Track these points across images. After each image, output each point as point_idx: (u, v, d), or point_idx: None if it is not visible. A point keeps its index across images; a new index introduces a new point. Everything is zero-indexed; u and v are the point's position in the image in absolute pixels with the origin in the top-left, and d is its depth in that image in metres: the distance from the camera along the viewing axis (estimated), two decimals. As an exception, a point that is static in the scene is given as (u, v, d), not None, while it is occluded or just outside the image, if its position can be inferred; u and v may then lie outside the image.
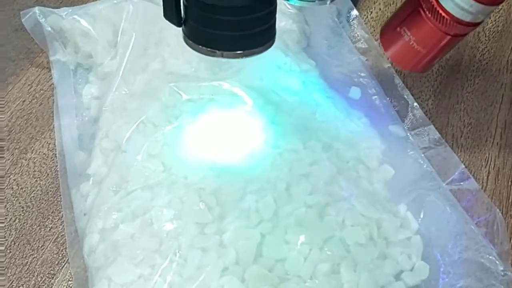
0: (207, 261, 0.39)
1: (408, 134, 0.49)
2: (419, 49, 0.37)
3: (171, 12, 0.36)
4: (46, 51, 0.54)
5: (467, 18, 0.35)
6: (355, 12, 0.58)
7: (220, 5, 0.34)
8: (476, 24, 0.36)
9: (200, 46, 0.36)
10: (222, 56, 0.36)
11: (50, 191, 0.47)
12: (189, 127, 0.46)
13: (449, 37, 0.36)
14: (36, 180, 0.47)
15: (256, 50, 0.37)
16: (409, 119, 0.50)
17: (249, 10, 0.34)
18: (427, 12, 0.35)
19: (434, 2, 0.35)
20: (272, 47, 0.52)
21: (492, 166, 0.48)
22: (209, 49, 0.36)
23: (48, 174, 0.48)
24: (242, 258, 0.39)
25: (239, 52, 0.36)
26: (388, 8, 0.60)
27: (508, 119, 0.51)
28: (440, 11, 0.35)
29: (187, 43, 0.37)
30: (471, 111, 0.52)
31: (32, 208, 0.46)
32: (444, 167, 0.47)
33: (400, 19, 0.38)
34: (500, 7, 0.59)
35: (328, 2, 0.38)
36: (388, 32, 0.39)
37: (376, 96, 0.51)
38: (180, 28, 0.37)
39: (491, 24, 0.58)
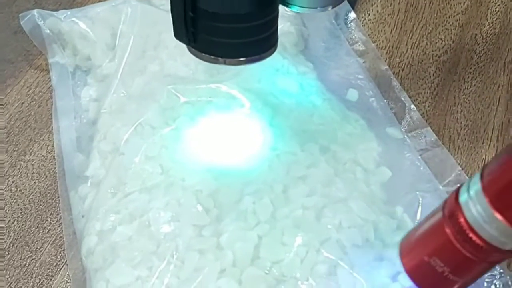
0: (205, 263, 0.39)
1: (405, 136, 0.49)
2: (455, 279, 0.31)
3: (181, 32, 0.36)
4: (44, 53, 0.55)
5: (507, 246, 0.29)
6: (352, 15, 0.58)
7: (222, 13, 0.34)
8: None
9: (203, 54, 0.36)
10: (225, 63, 0.36)
11: (49, 193, 0.47)
12: (187, 130, 0.46)
13: (487, 264, 0.31)
14: (35, 182, 0.48)
15: (259, 56, 0.37)
16: (406, 121, 0.50)
17: (252, 17, 0.34)
18: (461, 242, 0.29)
19: (468, 231, 0.29)
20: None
21: (489, 168, 0.48)
22: (212, 56, 0.36)
23: (46, 176, 0.48)
24: (239, 260, 0.39)
25: (242, 59, 0.36)
26: (386, 10, 0.60)
27: (505, 121, 0.51)
28: (476, 240, 0.29)
29: (190, 51, 0.37)
30: (468, 113, 0.52)
31: (30, 210, 0.46)
32: (441, 169, 0.47)
33: (427, 247, 0.32)
34: (497, 9, 0.59)
35: (329, 8, 0.38)
36: (414, 260, 0.33)
37: (373, 98, 0.52)
38: None
39: (488, 26, 0.58)
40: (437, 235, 0.31)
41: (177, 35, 0.36)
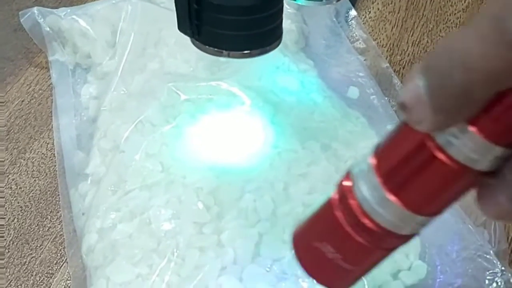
0: (205, 261, 0.39)
1: (406, 133, 0.49)
2: (348, 267, 0.27)
3: (185, 24, 0.35)
4: (44, 51, 0.54)
5: (408, 231, 0.25)
6: (353, 12, 0.58)
7: (227, 5, 0.34)
8: (413, 235, 0.26)
9: (207, 47, 0.36)
10: (229, 56, 0.36)
11: (49, 190, 0.47)
12: (187, 127, 0.46)
13: (383, 251, 0.27)
14: (35, 180, 0.48)
15: (263, 49, 0.37)
16: (407, 118, 0.50)
17: (256, 10, 0.34)
18: (353, 226, 0.25)
19: (359, 214, 0.25)
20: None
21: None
22: (216, 49, 0.36)
23: (46, 174, 0.48)
24: (240, 258, 0.39)
25: (246, 52, 0.36)
26: (386, 8, 0.60)
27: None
28: (370, 225, 0.25)
29: (194, 44, 0.37)
30: (469, 111, 0.52)
31: (30, 208, 0.46)
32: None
33: (318, 231, 0.28)
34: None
35: (334, 1, 0.37)
36: (303, 245, 0.29)
37: (374, 96, 0.51)
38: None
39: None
40: (327, 219, 0.27)
41: (181, 27, 0.36)
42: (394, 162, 0.23)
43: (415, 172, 0.22)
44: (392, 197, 0.23)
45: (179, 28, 0.36)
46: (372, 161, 0.24)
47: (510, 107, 0.19)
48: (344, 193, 0.25)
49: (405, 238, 0.25)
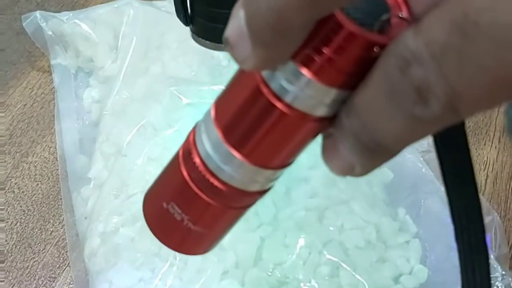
0: (207, 265, 0.39)
1: (407, 137, 0.49)
2: (197, 229, 0.25)
3: (179, 11, 0.36)
4: (47, 55, 0.55)
5: (255, 187, 0.23)
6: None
7: None
8: (266, 191, 0.24)
9: (208, 42, 0.36)
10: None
11: (51, 194, 0.47)
12: (189, 131, 0.46)
13: (234, 210, 0.24)
14: (37, 184, 0.48)
15: None
16: (408, 122, 0.50)
17: None
18: (197, 182, 0.23)
19: (204, 172, 0.22)
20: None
21: (491, 170, 0.48)
22: (216, 43, 0.36)
23: (49, 178, 0.48)
24: (242, 262, 0.39)
25: None
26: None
27: (507, 123, 0.51)
28: (214, 182, 0.23)
29: (194, 40, 0.37)
30: (470, 114, 0.52)
31: (33, 212, 0.46)
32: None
33: (164, 191, 0.26)
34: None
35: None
36: (151, 206, 0.26)
37: (375, 100, 0.51)
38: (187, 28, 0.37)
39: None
40: (173, 176, 0.24)
41: (178, 14, 0.36)
42: (231, 113, 0.21)
43: (254, 122, 0.20)
44: (234, 152, 0.21)
45: (176, 14, 0.36)
46: (212, 112, 0.22)
47: (335, 37, 0.17)
48: (188, 148, 0.23)
49: (257, 195, 0.23)
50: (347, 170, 0.20)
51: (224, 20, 0.33)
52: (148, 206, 0.26)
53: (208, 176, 0.22)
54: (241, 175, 0.22)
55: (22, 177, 0.48)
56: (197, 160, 0.22)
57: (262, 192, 0.24)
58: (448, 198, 0.21)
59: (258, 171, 0.22)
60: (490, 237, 0.42)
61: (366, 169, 0.19)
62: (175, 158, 0.24)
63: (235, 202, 0.23)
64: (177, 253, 0.40)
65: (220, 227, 0.25)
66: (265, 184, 0.23)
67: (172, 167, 0.24)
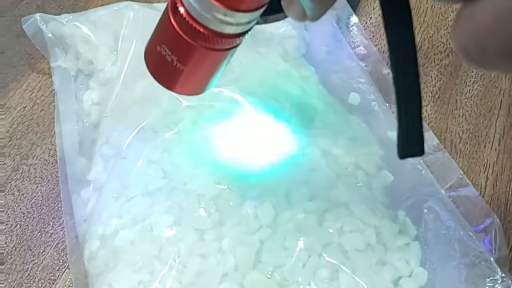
0: (207, 267, 0.39)
1: (407, 140, 0.49)
2: (184, 68, 0.30)
3: None
4: (47, 57, 0.55)
5: (230, 30, 0.28)
6: (354, 18, 0.58)
7: None
8: (243, 33, 0.29)
9: None
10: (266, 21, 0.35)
11: (51, 197, 0.47)
12: (189, 134, 0.46)
13: (215, 52, 0.29)
14: (37, 186, 0.48)
15: (276, 16, 0.36)
16: (408, 125, 0.50)
17: None
18: (182, 28, 0.28)
19: (186, 16, 0.27)
20: (272, 53, 0.52)
21: (491, 172, 0.48)
22: None
23: (49, 180, 0.48)
24: (241, 264, 0.39)
25: (269, 17, 0.36)
26: (388, 14, 0.60)
27: (507, 125, 0.51)
28: (196, 26, 0.28)
29: None
30: (470, 117, 0.52)
31: (33, 214, 0.46)
32: (443, 173, 0.47)
33: (158, 36, 0.31)
34: None
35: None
36: (149, 50, 0.32)
37: (375, 102, 0.52)
38: None
39: (490, 29, 0.58)
40: (164, 25, 0.30)
41: None
42: None
43: None
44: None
45: None
46: None
47: None
48: (175, 1, 0.28)
49: (233, 38, 0.28)
50: (301, 16, 0.28)
51: None
52: (147, 51, 0.32)
53: (191, 22, 0.27)
54: (216, 19, 0.27)
55: (22, 179, 0.48)
56: (181, 9, 0.28)
57: (237, 36, 0.28)
58: (388, 44, 0.26)
59: (231, 14, 0.26)
60: (490, 240, 0.42)
61: (314, 14, 0.28)
62: (166, 9, 0.29)
63: (215, 44, 0.28)
64: (176, 256, 0.40)
65: (204, 68, 0.30)
66: (238, 27, 0.28)
67: (163, 17, 0.30)
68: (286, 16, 0.35)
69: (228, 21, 0.27)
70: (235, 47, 0.30)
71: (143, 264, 0.40)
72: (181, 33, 0.28)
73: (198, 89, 0.32)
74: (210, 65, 0.30)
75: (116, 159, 0.45)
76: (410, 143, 0.29)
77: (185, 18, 0.28)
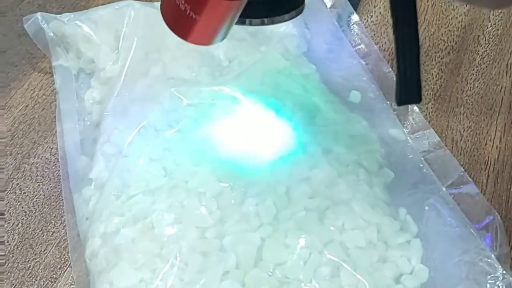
0: (208, 265, 0.39)
1: (408, 137, 0.49)
2: (197, 17, 0.31)
3: None
4: (48, 56, 0.55)
5: None
6: (355, 16, 0.58)
7: None
8: None
9: None
10: (251, 24, 0.36)
11: (53, 195, 0.47)
12: (190, 132, 0.46)
13: (227, 1, 0.31)
14: (39, 185, 0.48)
15: (281, 17, 0.36)
16: (409, 122, 0.50)
17: None
18: None
19: None
20: (273, 51, 0.52)
21: (492, 170, 0.48)
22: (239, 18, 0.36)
23: (50, 179, 0.48)
24: (243, 262, 0.39)
25: (266, 19, 0.36)
26: (388, 12, 0.60)
27: (508, 123, 0.51)
28: None
29: None
30: (471, 114, 0.52)
31: (34, 213, 0.46)
32: (444, 170, 0.47)
33: None
34: (499, 10, 0.59)
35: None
36: (165, 1, 0.33)
37: (376, 100, 0.52)
38: None
39: (490, 27, 0.59)
40: None
41: None
42: None
43: None
44: None
45: None
46: None
47: None
48: None
49: None
50: None
51: None
52: (163, 2, 0.33)
53: None
54: None
55: (23, 178, 0.48)
56: None
57: None
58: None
59: None
60: (491, 237, 0.42)
61: None
62: None
63: None
64: (178, 254, 0.40)
65: (216, 18, 0.31)
66: None
67: None
68: (291, 17, 0.36)
69: None
70: None
71: (145, 262, 0.40)
72: None
73: (211, 39, 0.33)
74: (223, 15, 0.31)
75: (118, 157, 0.46)
76: (407, 90, 0.30)
77: None
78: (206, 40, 0.33)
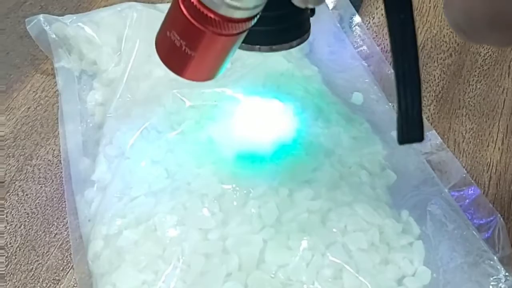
0: (210, 267, 0.39)
1: (410, 139, 0.49)
2: (193, 53, 0.31)
3: None
4: (50, 58, 0.55)
5: (237, 14, 0.29)
6: (357, 18, 0.58)
7: None
8: (251, 18, 0.30)
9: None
10: (260, 50, 0.36)
11: (55, 197, 0.47)
12: (192, 134, 0.46)
13: (223, 37, 0.30)
14: (41, 187, 0.48)
15: (281, 46, 0.37)
16: (411, 124, 0.50)
17: (282, 4, 0.35)
18: (191, 13, 0.29)
19: (195, 2, 0.29)
20: (274, 53, 0.52)
21: (494, 171, 0.48)
22: (247, 44, 0.36)
23: (53, 181, 0.48)
24: (245, 264, 0.39)
25: (274, 46, 0.36)
26: (390, 13, 0.60)
27: (510, 124, 0.51)
28: (205, 12, 0.29)
29: None
30: (473, 116, 0.52)
31: (37, 215, 0.46)
32: (446, 172, 0.47)
33: (168, 21, 0.32)
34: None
35: None
36: (160, 37, 0.33)
37: (378, 102, 0.52)
38: None
39: (493, 29, 0.58)
40: (174, 11, 0.31)
41: None
42: None
43: None
44: None
45: None
46: None
47: None
48: None
49: (241, 23, 0.29)
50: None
51: (256, 22, 0.33)
52: (158, 38, 0.32)
53: (200, 7, 0.28)
54: (224, 3, 0.28)
55: (26, 180, 0.48)
56: None
57: (244, 20, 0.29)
58: (388, 28, 0.27)
59: None
60: (493, 239, 0.42)
61: None
62: None
63: (223, 29, 0.29)
64: (180, 256, 0.40)
65: (214, 53, 0.31)
66: (245, 12, 0.29)
67: (173, 3, 0.30)
68: (291, 47, 0.37)
69: (235, 6, 0.28)
70: (243, 32, 0.30)
71: (147, 264, 0.40)
72: (190, 18, 0.29)
73: (207, 74, 0.33)
74: (219, 51, 0.31)
75: (120, 159, 0.46)
76: (409, 129, 0.29)
77: (194, 4, 0.28)
78: (203, 76, 0.33)
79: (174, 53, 0.31)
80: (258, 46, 0.36)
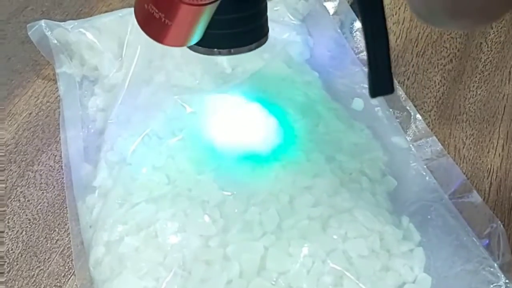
0: (211, 274, 0.39)
1: (411, 145, 0.49)
2: (170, 24, 0.33)
3: None
4: (52, 63, 0.55)
5: None
6: (358, 23, 0.58)
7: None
8: None
9: (199, 47, 0.37)
10: (219, 54, 0.38)
11: (57, 203, 0.47)
12: (193, 140, 0.46)
13: (196, 7, 0.33)
14: (43, 192, 0.48)
15: (240, 49, 0.38)
16: (412, 130, 0.50)
17: (240, 8, 0.36)
18: None
19: None
20: (276, 59, 0.52)
21: (494, 178, 0.48)
22: (208, 48, 0.37)
23: (54, 187, 0.48)
24: (246, 271, 0.40)
25: (232, 49, 0.38)
26: (391, 19, 0.60)
27: (510, 130, 0.51)
28: None
29: (188, 47, 0.38)
30: (473, 122, 0.52)
31: (38, 221, 0.46)
32: (446, 178, 0.47)
33: None
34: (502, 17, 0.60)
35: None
36: (138, 8, 0.35)
37: (378, 108, 0.52)
38: None
39: (493, 34, 0.59)
40: None
41: None
42: None
43: None
44: None
45: None
46: None
47: None
48: None
49: None
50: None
51: (215, 26, 0.35)
52: (136, 8, 0.34)
53: None
54: None
55: (27, 185, 0.48)
56: None
57: None
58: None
59: None
60: (493, 245, 0.42)
61: None
62: None
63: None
64: (181, 263, 0.40)
65: (189, 22, 0.33)
66: None
67: None
68: (250, 50, 0.38)
69: None
70: (215, 1, 0.33)
71: (148, 271, 0.40)
72: None
73: (184, 41, 0.35)
74: (194, 20, 0.33)
75: (121, 165, 0.46)
76: (380, 82, 0.31)
77: None
78: (181, 42, 0.36)
79: (153, 23, 0.33)
80: (218, 50, 0.37)
